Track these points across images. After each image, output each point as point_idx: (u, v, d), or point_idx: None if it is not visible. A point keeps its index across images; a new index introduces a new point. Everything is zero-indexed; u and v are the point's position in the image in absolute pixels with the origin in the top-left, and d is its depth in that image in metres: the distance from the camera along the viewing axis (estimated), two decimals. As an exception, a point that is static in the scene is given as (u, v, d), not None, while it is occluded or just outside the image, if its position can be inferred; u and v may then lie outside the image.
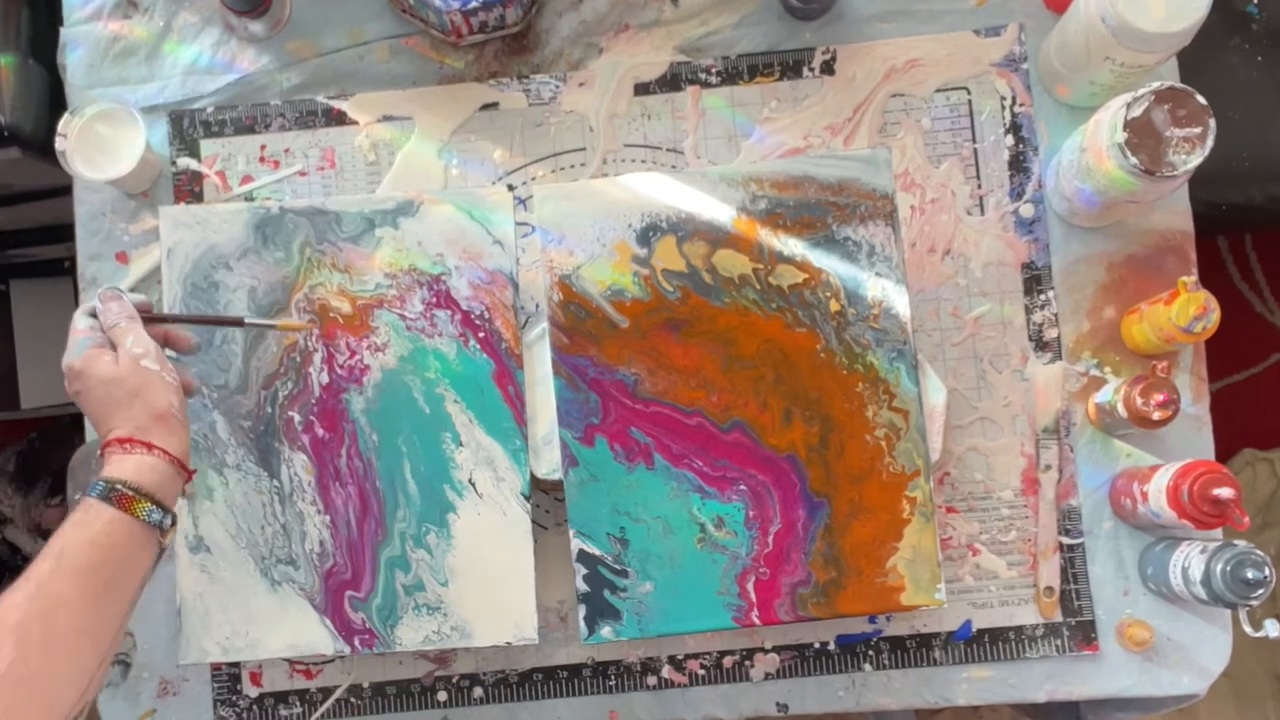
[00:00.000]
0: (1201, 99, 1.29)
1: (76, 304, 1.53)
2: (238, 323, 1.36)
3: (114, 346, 1.25)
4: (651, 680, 1.47)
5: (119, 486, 1.15)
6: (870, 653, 1.46)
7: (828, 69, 1.53)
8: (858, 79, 1.52)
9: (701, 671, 1.47)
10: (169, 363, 1.26)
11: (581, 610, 1.34)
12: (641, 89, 1.54)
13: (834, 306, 1.35)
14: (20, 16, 1.73)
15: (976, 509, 1.47)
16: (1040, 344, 1.48)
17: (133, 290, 1.52)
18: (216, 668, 1.49)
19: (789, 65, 1.53)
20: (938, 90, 1.52)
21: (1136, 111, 1.29)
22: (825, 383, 1.35)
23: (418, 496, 1.38)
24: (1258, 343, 2.55)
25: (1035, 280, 1.49)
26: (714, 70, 1.54)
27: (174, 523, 1.20)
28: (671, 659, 1.48)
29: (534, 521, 1.40)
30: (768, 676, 1.47)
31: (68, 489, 1.49)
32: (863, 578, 1.33)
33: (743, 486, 1.34)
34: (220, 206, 1.45)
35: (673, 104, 1.54)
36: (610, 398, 1.35)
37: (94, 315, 1.27)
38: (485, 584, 1.37)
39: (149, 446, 1.20)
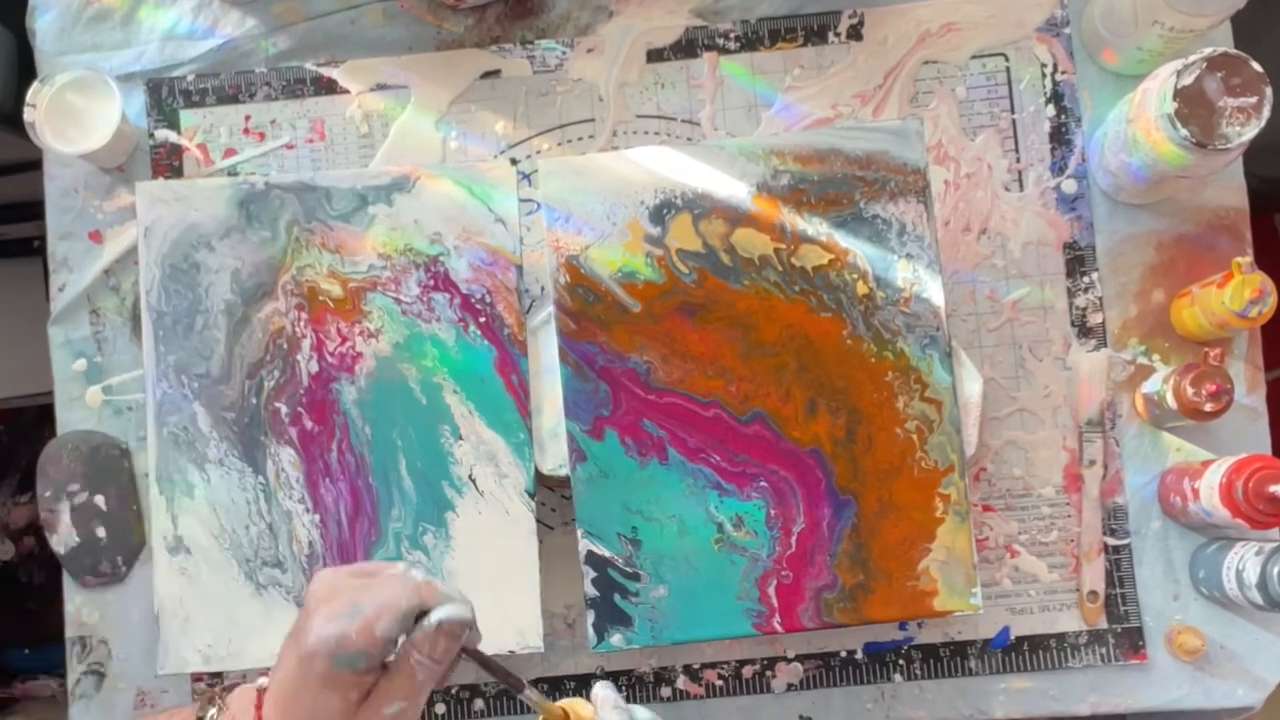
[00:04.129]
0: (1257, 66, 1.30)
1: (46, 287, 1.54)
2: (519, 686, 1.05)
3: (379, 669, 0.95)
4: (666, 691, 1.48)
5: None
6: (901, 662, 1.47)
7: (855, 34, 1.53)
8: (889, 42, 1.53)
9: (719, 682, 1.48)
10: None
11: (590, 616, 1.35)
12: (655, 55, 1.55)
13: (861, 289, 1.36)
14: (-16, -22, 1.73)
15: (1015, 507, 1.47)
16: (1084, 330, 1.49)
17: (107, 271, 1.53)
18: (198, 678, 1.50)
19: (813, 30, 1.54)
20: (973, 57, 1.53)
21: (1187, 80, 1.29)
22: (852, 371, 1.35)
23: (414, 494, 1.39)
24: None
25: (1078, 261, 1.50)
26: (733, 35, 1.55)
27: None
28: (687, 669, 1.48)
29: (539, 521, 1.41)
30: (790, 688, 1.48)
31: (37, 486, 1.50)
32: (892, 581, 1.34)
33: (763, 483, 1.35)
34: (201, 182, 1.46)
35: (688, 71, 1.55)
36: (621, 387, 1.36)
37: (413, 620, 0.95)
38: (487, 588, 1.37)
39: None
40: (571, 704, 1.02)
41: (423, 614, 0.95)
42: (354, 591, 0.95)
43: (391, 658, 0.95)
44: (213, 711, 1.01)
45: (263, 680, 0.99)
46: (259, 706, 0.97)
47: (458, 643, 0.96)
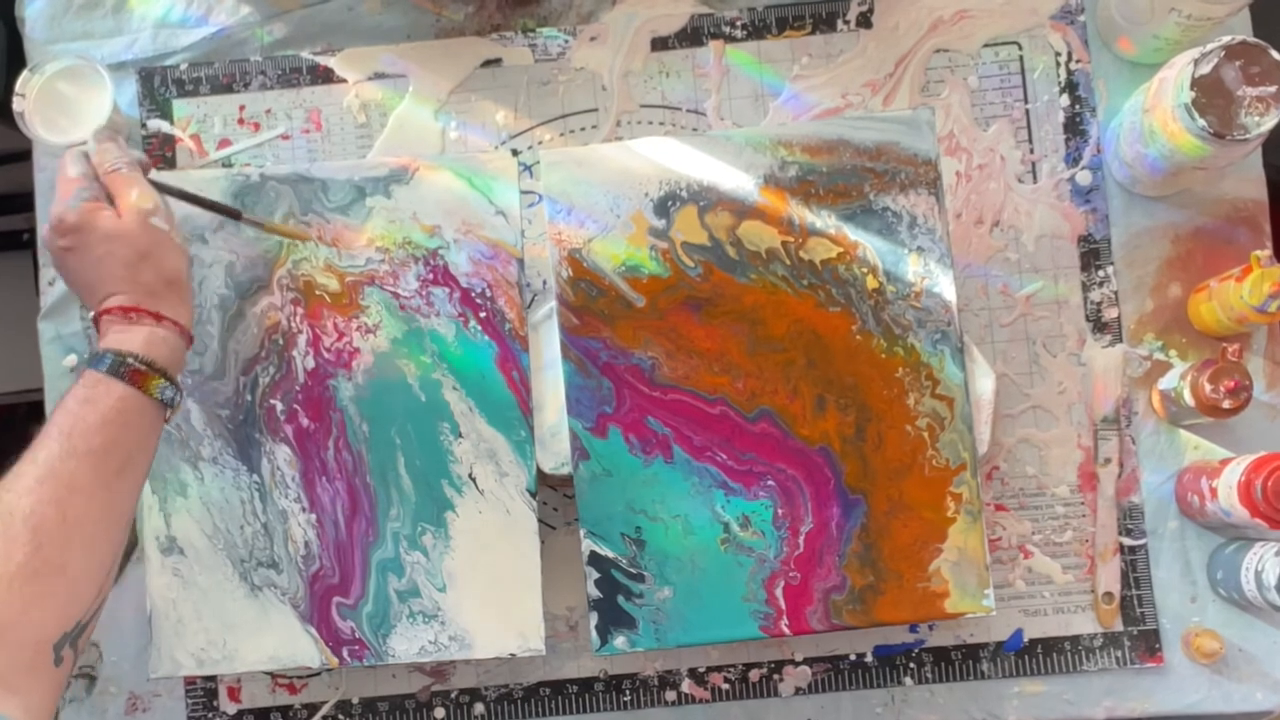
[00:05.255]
0: (1276, 54, 1.30)
1: (36, 282, 1.54)
2: (235, 214, 1.39)
3: (111, 199, 1.24)
4: (670, 695, 1.49)
5: (130, 360, 1.17)
6: (911, 665, 1.47)
7: (864, 21, 1.53)
8: (900, 29, 1.53)
9: (725, 686, 1.48)
10: (174, 217, 1.27)
11: (593, 618, 1.35)
12: (659, 44, 1.55)
13: (871, 284, 1.36)
14: (-29, -36, 1.74)
15: (1028, 507, 1.47)
16: (1099, 325, 1.49)
17: None
18: (191, 681, 1.51)
19: (822, 17, 1.54)
20: (986, 45, 1.53)
21: (1205, 68, 1.29)
22: (862, 368, 1.35)
23: (412, 493, 1.39)
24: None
25: (1093, 254, 1.50)
26: (739, 23, 1.55)
27: (180, 399, 1.23)
28: (692, 672, 1.49)
29: (541, 521, 1.41)
30: (798, 691, 1.48)
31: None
32: (903, 583, 1.34)
33: (771, 482, 1.35)
34: (195, 173, 1.46)
35: (694, 60, 1.55)
36: (625, 384, 1.36)
37: (86, 158, 1.26)
38: (487, 590, 1.38)
39: (158, 317, 1.21)
40: None
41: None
42: None
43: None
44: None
45: (80, 318, 1.31)
46: (101, 312, 1.21)
47: (115, 140, 1.27)
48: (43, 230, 1.24)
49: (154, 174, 1.30)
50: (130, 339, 1.19)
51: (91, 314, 1.23)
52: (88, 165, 1.25)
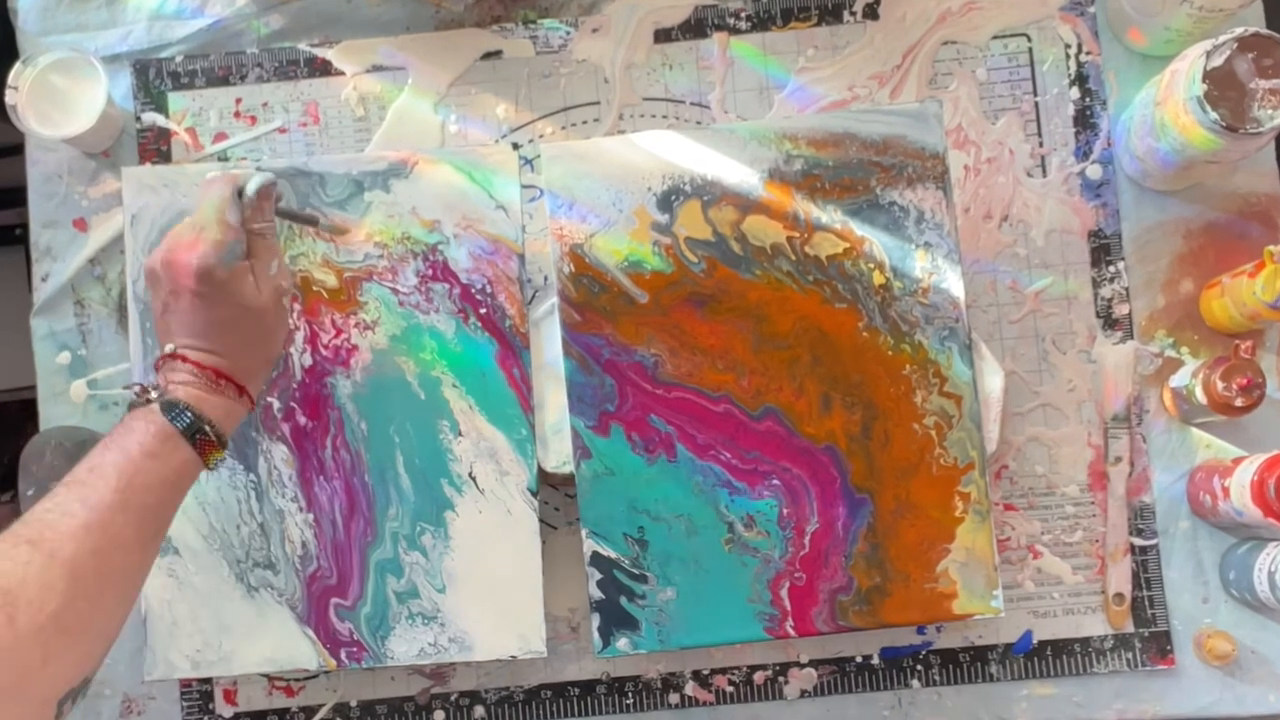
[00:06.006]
0: (1291, 46, 1.30)
1: (28, 277, 1.54)
2: (313, 222, 1.39)
3: (247, 254, 1.22)
4: (674, 698, 1.48)
5: (207, 429, 1.16)
6: (919, 667, 1.47)
7: (871, 12, 1.53)
8: (908, 21, 1.53)
9: (730, 688, 1.48)
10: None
11: (595, 620, 1.35)
12: (663, 35, 1.55)
13: (878, 279, 1.36)
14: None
15: (1038, 506, 1.47)
16: (1109, 321, 1.49)
17: (92, 261, 1.54)
18: (186, 684, 1.50)
19: (828, 8, 1.54)
20: (995, 37, 1.53)
21: (1217, 61, 1.29)
22: (868, 365, 1.36)
23: (412, 492, 1.40)
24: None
25: (1103, 250, 1.50)
26: (744, 14, 1.55)
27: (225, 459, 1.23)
28: (696, 674, 1.48)
29: (542, 520, 1.41)
30: (804, 694, 1.48)
31: (19, 483, 1.50)
32: (910, 583, 1.34)
33: (776, 481, 1.35)
34: (190, 167, 1.47)
35: (697, 52, 1.55)
36: (627, 381, 1.36)
37: (240, 206, 1.23)
38: (487, 590, 1.38)
39: (241, 390, 1.22)
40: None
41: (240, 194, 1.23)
42: (183, 225, 1.21)
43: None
44: (153, 395, 1.18)
45: (169, 345, 1.21)
46: (196, 363, 1.20)
47: (272, 200, 1.24)
48: (161, 256, 1.20)
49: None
50: (211, 405, 1.18)
51: (172, 347, 1.21)
52: (240, 213, 1.22)
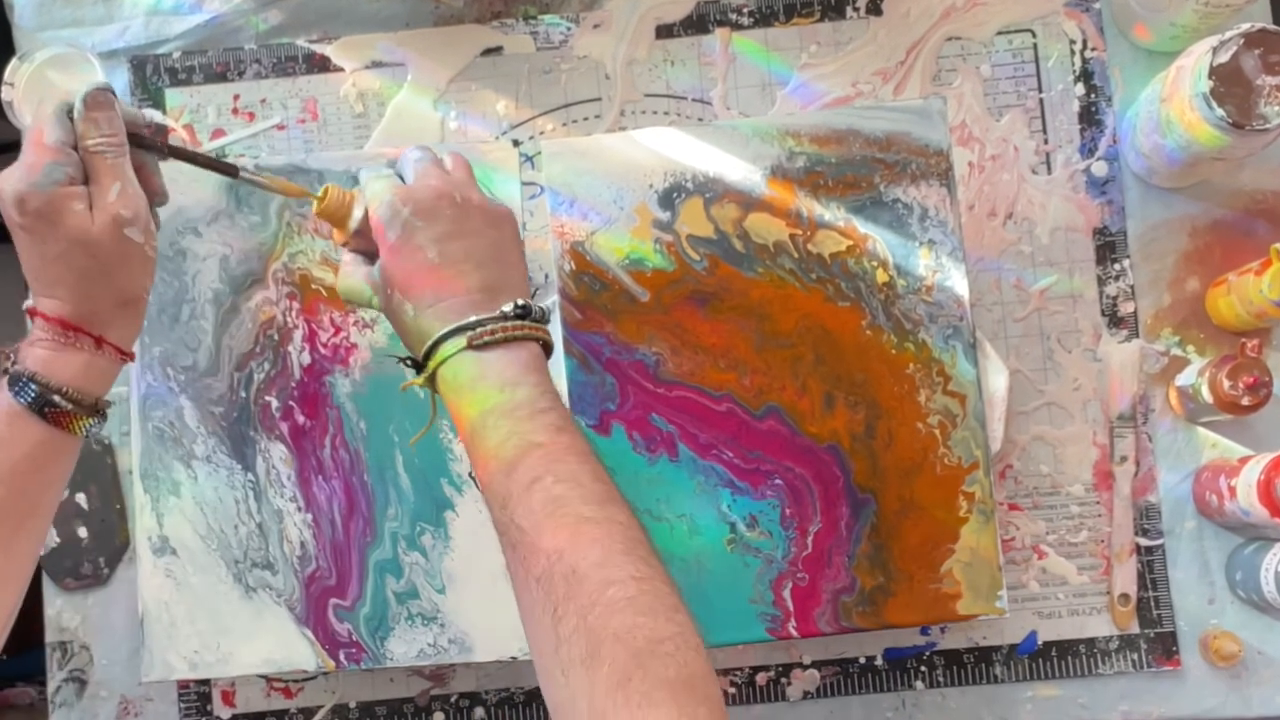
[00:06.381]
0: (1298, 42, 1.29)
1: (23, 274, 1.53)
2: (232, 171, 1.17)
3: (86, 179, 1.06)
4: (675, 699, 1.48)
5: (56, 399, 1.06)
6: (923, 669, 1.47)
7: (874, 8, 1.53)
8: (911, 16, 1.52)
9: (732, 690, 1.48)
10: (152, 224, 1.11)
11: (596, 620, 1.35)
12: (664, 31, 1.55)
13: (881, 277, 1.36)
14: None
15: (1042, 506, 1.47)
16: (1115, 320, 1.49)
17: None
18: (184, 685, 1.51)
19: (831, 4, 1.54)
20: (999, 33, 1.53)
21: (1224, 57, 1.29)
22: (871, 363, 1.35)
23: (411, 492, 1.39)
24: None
25: (1109, 248, 1.49)
26: (746, 10, 1.54)
27: (106, 416, 1.12)
28: (697, 675, 1.48)
29: (543, 520, 1.40)
30: (807, 695, 1.48)
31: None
32: (914, 584, 1.34)
33: (778, 481, 1.35)
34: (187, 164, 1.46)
35: (699, 48, 1.55)
36: (628, 380, 1.36)
37: (69, 118, 1.06)
38: (488, 591, 1.38)
39: (99, 341, 1.09)
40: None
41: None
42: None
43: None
44: (7, 365, 1.08)
45: (28, 301, 1.09)
46: (43, 315, 1.07)
47: (112, 108, 1.06)
48: None
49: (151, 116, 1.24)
50: (62, 366, 1.07)
51: (28, 302, 1.09)
52: (70, 132, 1.05)
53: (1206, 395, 1.37)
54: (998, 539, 1.34)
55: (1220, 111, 1.28)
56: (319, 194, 1.13)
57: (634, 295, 1.37)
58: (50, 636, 1.51)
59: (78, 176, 1.05)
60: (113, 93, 1.07)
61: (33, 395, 1.05)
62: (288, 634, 1.39)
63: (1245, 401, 1.34)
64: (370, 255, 1.13)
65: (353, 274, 1.13)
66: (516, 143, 1.52)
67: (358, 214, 1.13)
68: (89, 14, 1.58)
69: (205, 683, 1.50)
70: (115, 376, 1.13)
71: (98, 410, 1.10)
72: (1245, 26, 1.29)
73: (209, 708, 1.50)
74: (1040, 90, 1.52)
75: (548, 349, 1.07)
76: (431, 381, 1.05)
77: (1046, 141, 1.51)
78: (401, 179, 1.12)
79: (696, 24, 1.54)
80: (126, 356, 1.12)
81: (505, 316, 1.04)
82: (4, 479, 1.05)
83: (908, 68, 1.52)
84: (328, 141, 1.55)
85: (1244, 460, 1.38)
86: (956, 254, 1.36)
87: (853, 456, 1.35)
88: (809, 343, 1.36)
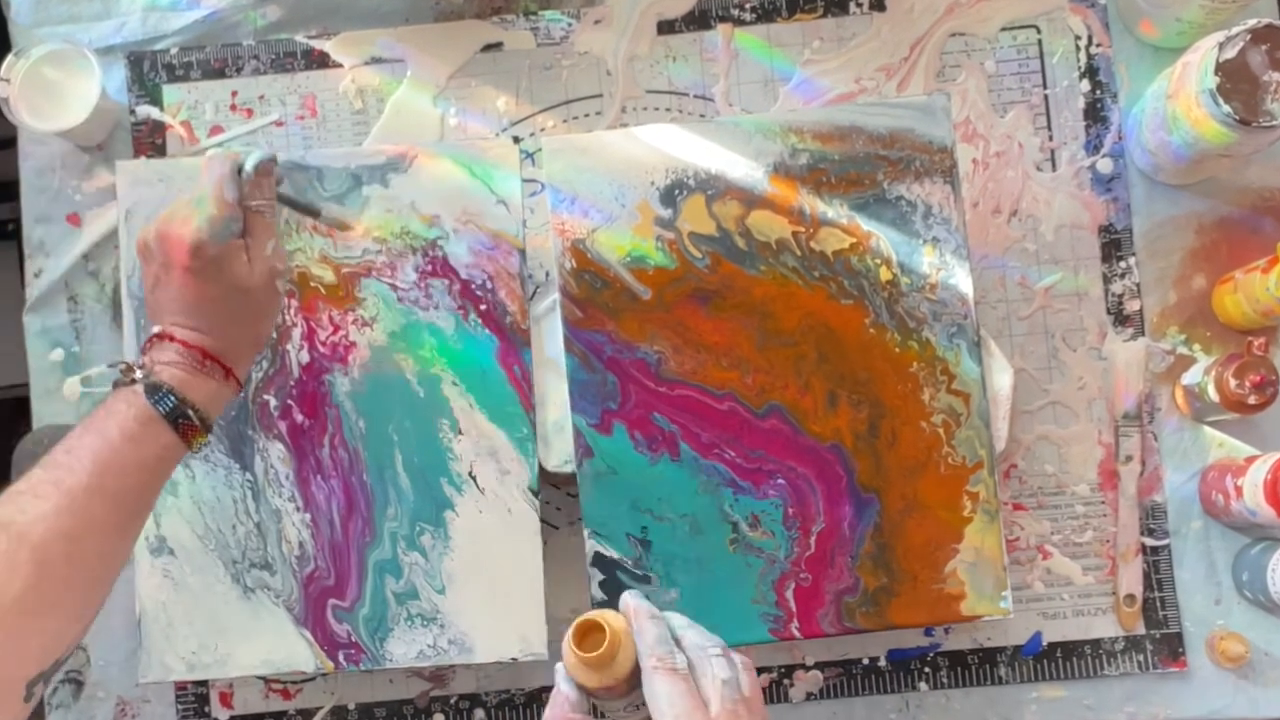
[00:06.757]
0: (1305, 38, 1.29)
1: (21, 272, 1.54)
2: (315, 213, 1.37)
3: (243, 233, 1.20)
4: (676, 701, 1.48)
5: (190, 413, 1.16)
6: (926, 670, 1.47)
7: (877, 4, 1.53)
8: (915, 12, 1.52)
9: (733, 691, 1.48)
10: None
11: (598, 620, 1.35)
12: (666, 27, 1.55)
13: (885, 275, 1.36)
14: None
15: (1047, 506, 1.47)
16: (1120, 318, 1.49)
17: (86, 256, 1.53)
18: (181, 687, 1.50)
19: None
20: (1003, 29, 1.52)
21: (1230, 53, 1.29)
22: (875, 362, 1.35)
23: (411, 492, 1.39)
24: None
25: (1114, 245, 1.49)
26: (748, 5, 1.54)
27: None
28: (699, 677, 1.48)
29: (543, 520, 1.40)
30: (810, 696, 1.48)
31: (11, 482, 1.49)
32: (918, 584, 1.34)
33: (781, 480, 1.35)
34: (186, 161, 1.47)
35: (701, 44, 1.54)
36: (630, 379, 1.36)
37: (239, 183, 1.21)
38: (488, 592, 1.38)
39: (229, 373, 1.20)
40: (602, 614, 1.06)
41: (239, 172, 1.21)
42: (180, 201, 1.21)
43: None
44: (137, 376, 1.18)
45: (156, 325, 1.21)
46: (183, 342, 1.18)
47: (272, 178, 1.22)
48: (155, 229, 1.19)
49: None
50: (196, 387, 1.17)
51: (158, 328, 1.20)
52: (238, 190, 1.20)
53: (1213, 394, 1.37)
54: (1002, 539, 1.33)
55: (1227, 108, 1.28)
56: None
57: (635, 293, 1.36)
58: (47, 637, 1.51)
59: (239, 230, 1.20)
60: (275, 161, 1.23)
61: (170, 405, 1.15)
62: (286, 635, 1.39)
63: (1252, 400, 1.34)
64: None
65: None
66: (517, 139, 1.52)
67: None
68: (86, 10, 1.58)
69: (203, 684, 1.50)
70: (226, 405, 1.24)
71: (209, 430, 1.19)
72: (1252, 22, 1.29)
73: (207, 709, 1.50)
74: (1045, 86, 1.52)
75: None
76: None
77: (1051, 138, 1.51)
78: None
79: (698, 19, 1.54)
80: (241, 389, 1.25)
81: None
82: (132, 472, 1.12)
83: (911, 64, 1.52)
84: (326, 138, 1.55)
85: (1250, 460, 1.38)
86: (960, 251, 1.36)
87: (856, 456, 1.34)
88: (812, 341, 1.35)
